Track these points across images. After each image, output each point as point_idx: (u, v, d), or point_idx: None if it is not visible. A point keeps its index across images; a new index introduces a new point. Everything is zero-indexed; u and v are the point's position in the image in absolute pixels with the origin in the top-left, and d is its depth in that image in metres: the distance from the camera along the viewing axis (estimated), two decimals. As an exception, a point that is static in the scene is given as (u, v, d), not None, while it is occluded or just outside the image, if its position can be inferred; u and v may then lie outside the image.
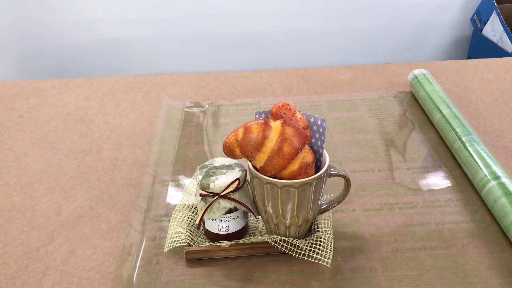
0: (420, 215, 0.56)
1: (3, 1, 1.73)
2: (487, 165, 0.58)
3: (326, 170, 0.46)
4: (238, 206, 0.48)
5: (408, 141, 0.69)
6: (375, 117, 0.75)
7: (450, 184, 0.61)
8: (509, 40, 1.60)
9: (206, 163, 0.51)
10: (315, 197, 0.47)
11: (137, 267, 0.50)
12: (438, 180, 0.61)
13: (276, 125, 0.45)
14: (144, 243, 0.53)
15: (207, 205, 0.48)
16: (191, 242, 0.51)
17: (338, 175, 0.49)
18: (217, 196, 0.47)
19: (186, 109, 0.78)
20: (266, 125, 0.44)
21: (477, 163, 0.59)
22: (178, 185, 0.62)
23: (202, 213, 0.48)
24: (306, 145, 0.46)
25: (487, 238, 0.53)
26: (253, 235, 0.52)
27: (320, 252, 0.49)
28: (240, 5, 1.79)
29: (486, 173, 0.57)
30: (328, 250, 0.49)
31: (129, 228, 0.55)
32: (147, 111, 0.78)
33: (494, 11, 1.67)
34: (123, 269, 0.50)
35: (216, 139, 0.71)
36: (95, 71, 1.85)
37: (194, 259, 0.51)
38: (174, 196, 0.60)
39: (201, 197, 0.48)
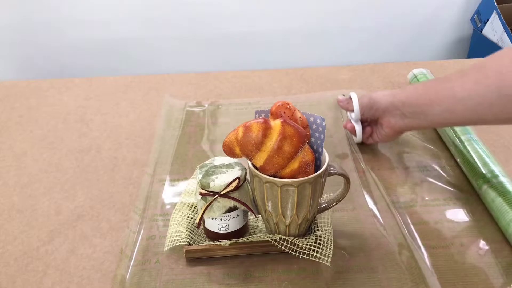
0: (419, 214, 0.56)
1: (3, 1, 1.73)
2: (485, 164, 0.58)
3: (326, 169, 0.46)
4: (238, 205, 0.48)
5: (407, 140, 0.69)
6: (374, 116, 0.75)
7: (449, 183, 0.61)
8: (509, 40, 1.60)
9: (206, 162, 0.51)
10: (315, 196, 0.47)
11: (130, 267, 0.50)
12: (436, 179, 0.62)
13: (276, 124, 0.45)
14: (138, 243, 0.53)
15: (207, 204, 0.48)
16: (191, 241, 0.51)
17: (338, 174, 0.49)
18: (217, 195, 0.47)
19: (187, 108, 0.78)
20: (266, 124, 0.45)
21: (475, 162, 0.59)
22: (178, 184, 0.62)
23: (202, 212, 0.48)
24: (306, 144, 0.46)
25: (485, 237, 0.53)
26: (253, 234, 0.52)
27: (319, 250, 0.49)
28: (240, 5, 1.79)
29: (485, 172, 0.57)
30: (328, 249, 0.49)
31: (126, 228, 0.55)
32: (146, 111, 0.79)
33: (494, 11, 1.67)
34: (120, 269, 0.50)
35: (216, 138, 0.71)
36: (95, 71, 1.85)
37: (194, 258, 0.51)
38: (173, 195, 0.60)
39: (201, 196, 0.48)
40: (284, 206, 0.47)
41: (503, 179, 0.55)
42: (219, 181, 0.47)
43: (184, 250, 0.50)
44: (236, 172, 0.48)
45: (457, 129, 0.65)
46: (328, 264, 0.48)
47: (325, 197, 0.54)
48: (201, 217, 0.49)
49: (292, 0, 1.81)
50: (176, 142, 0.70)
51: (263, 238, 0.50)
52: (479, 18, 1.79)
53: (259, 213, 0.50)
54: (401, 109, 0.59)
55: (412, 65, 0.87)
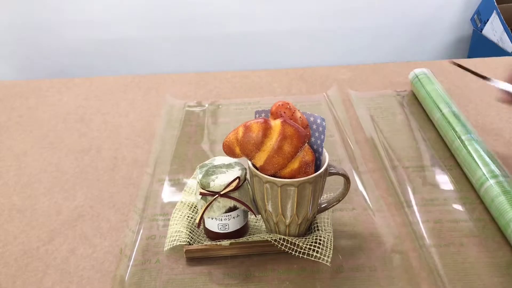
0: (419, 213, 0.56)
1: (3, 1, 1.73)
2: (485, 164, 0.58)
3: (326, 168, 0.46)
4: (238, 205, 0.48)
5: (407, 140, 0.69)
6: (374, 116, 0.75)
7: (449, 183, 0.61)
8: (509, 40, 1.60)
9: (206, 162, 0.51)
10: (315, 196, 0.47)
11: (130, 267, 0.50)
12: (437, 179, 0.62)
13: (276, 124, 0.45)
14: (138, 242, 0.53)
15: (207, 204, 0.48)
16: (191, 241, 0.51)
17: (338, 173, 0.49)
18: (217, 195, 0.47)
19: (186, 108, 0.78)
20: (266, 124, 0.45)
21: (475, 162, 0.59)
22: (178, 184, 0.62)
23: (202, 211, 0.48)
24: (306, 144, 0.46)
25: (485, 236, 0.53)
26: (253, 234, 0.52)
27: (320, 250, 0.49)
28: (240, 5, 1.80)
29: (484, 172, 0.57)
30: (328, 249, 0.49)
31: (126, 228, 0.55)
32: (146, 111, 0.79)
33: (494, 11, 1.67)
34: (120, 269, 0.50)
35: (216, 138, 0.71)
36: (95, 71, 1.85)
37: (194, 258, 0.51)
38: (173, 195, 0.60)
39: (201, 196, 0.48)
40: (284, 206, 0.47)
41: (503, 179, 0.55)
42: (219, 181, 0.47)
43: (184, 250, 0.50)
44: (236, 172, 0.48)
45: (457, 129, 0.65)
46: (328, 264, 0.48)
47: (325, 197, 0.54)
48: (201, 217, 0.49)
49: (292, 0, 1.81)
50: (176, 142, 0.70)
51: (263, 238, 0.50)
52: (479, 18, 1.79)
53: (259, 213, 0.50)
54: None
55: (412, 65, 0.87)
